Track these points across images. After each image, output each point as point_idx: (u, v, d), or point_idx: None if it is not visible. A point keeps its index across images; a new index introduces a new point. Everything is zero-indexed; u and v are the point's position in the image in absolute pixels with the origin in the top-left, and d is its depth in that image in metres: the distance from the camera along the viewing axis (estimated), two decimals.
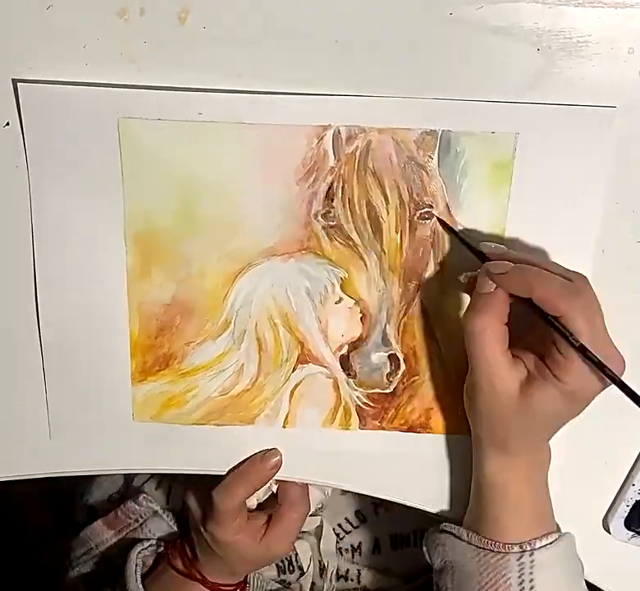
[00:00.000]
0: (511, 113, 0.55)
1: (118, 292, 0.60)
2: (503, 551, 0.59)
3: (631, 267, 0.60)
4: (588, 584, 0.66)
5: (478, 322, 0.54)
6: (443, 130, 0.56)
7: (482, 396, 0.56)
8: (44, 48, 0.54)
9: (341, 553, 0.79)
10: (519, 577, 0.58)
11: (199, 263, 0.59)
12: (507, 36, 0.54)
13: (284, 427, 0.64)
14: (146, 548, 0.74)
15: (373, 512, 0.78)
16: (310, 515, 0.76)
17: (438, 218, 0.58)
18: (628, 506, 0.65)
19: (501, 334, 0.55)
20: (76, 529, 0.81)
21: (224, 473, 0.66)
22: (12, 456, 0.66)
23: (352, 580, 0.80)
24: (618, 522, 0.66)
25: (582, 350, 0.51)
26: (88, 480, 0.86)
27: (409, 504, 0.67)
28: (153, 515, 0.77)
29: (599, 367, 0.52)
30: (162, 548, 0.75)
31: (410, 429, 0.64)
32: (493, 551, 0.59)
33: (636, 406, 0.51)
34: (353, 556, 0.79)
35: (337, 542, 0.79)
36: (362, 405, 0.63)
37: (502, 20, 0.53)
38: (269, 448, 0.65)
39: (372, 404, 0.63)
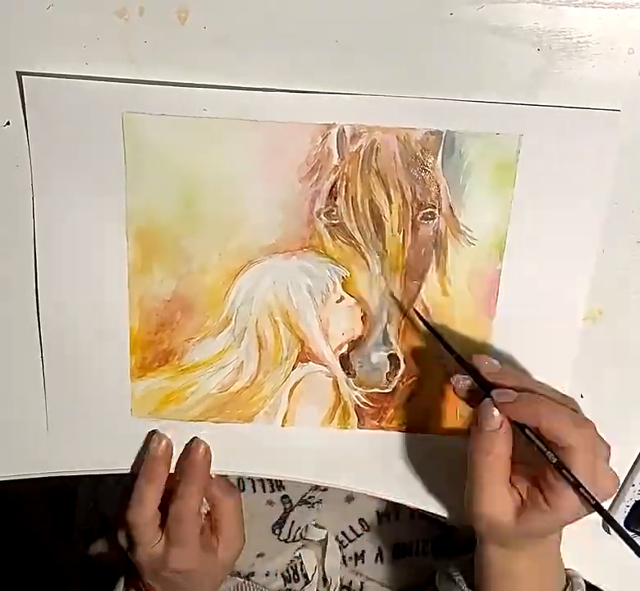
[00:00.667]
0: (516, 115, 0.55)
1: (119, 288, 0.60)
2: None
3: (630, 267, 0.60)
4: (588, 584, 0.66)
5: (487, 463, 0.55)
6: (447, 131, 0.56)
7: (479, 518, 0.57)
8: (44, 47, 0.54)
9: (345, 562, 0.79)
10: None
11: (201, 259, 0.59)
12: (507, 36, 0.54)
13: (282, 425, 0.64)
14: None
15: (377, 521, 0.78)
16: (315, 526, 0.77)
17: (419, 315, 0.60)
18: (627, 506, 0.65)
19: (506, 468, 0.55)
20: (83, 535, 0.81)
21: (223, 472, 0.66)
22: (9, 455, 0.66)
23: None
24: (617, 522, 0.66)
25: (579, 487, 0.52)
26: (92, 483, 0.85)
27: (406, 504, 0.67)
28: None
29: (595, 507, 0.53)
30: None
31: (409, 429, 0.64)
32: None
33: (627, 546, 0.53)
34: (356, 565, 0.79)
35: (341, 549, 0.79)
36: (361, 404, 0.63)
37: (502, 21, 0.53)
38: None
39: (371, 403, 0.63)
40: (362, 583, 0.79)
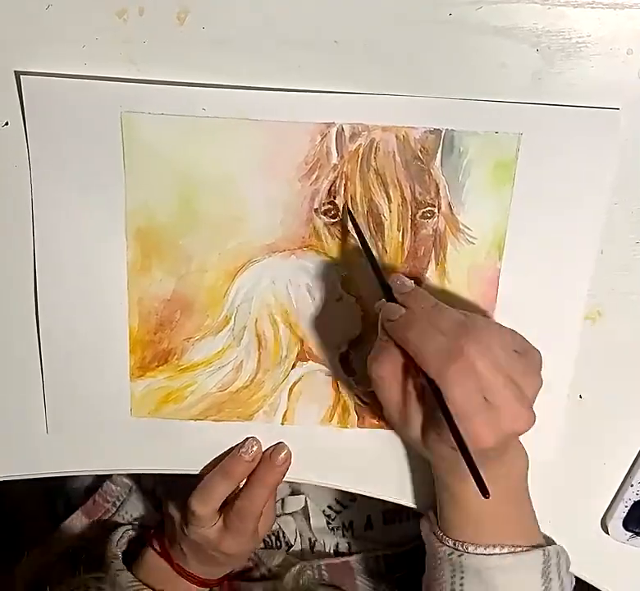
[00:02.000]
0: (515, 113, 0.55)
1: (118, 287, 0.60)
2: (441, 543, 0.60)
3: (630, 267, 0.60)
4: (587, 584, 0.66)
5: (375, 370, 0.54)
6: (447, 129, 0.56)
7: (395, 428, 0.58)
8: (43, 47, 0.54)
9: (333, 531, 0.79)
10: (451, 573, 0.59)
11: (200, 258, 0.59)
12: (506, 37, 0.54)
13: (282, 424, 0.64)
14: (125, 532, 0.75)
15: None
16: (292, 495, 0.77)
17: (352, 220, 0.57)
18: (626, 506, 0.65)
19: (400, 378, 0.54)
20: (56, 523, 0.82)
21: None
22: (9, 455, 0.66)
23: (344, 554, 0.80)
24: (616, 523, 0.66)
25: (445, 416, 0.50)
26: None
27: (405, 503, 0.67)
28: (128, 495, 0.77)
29: (458, 443, 0.49)
30: (136, 532, 0.76)
31: None
32: (436, 539, 0.60)
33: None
34: (344, 534, 0.80)
35: (328, 523, 0.79)
36: (360, 403, 0.63)
37: (501, 21, 0.53)
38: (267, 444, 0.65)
39: (370, 402, 0.63)
40: (349, 543, 0.80)
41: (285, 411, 0.64)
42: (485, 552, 0.58)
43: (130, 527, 0.76)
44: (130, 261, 0.59)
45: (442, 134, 0.56)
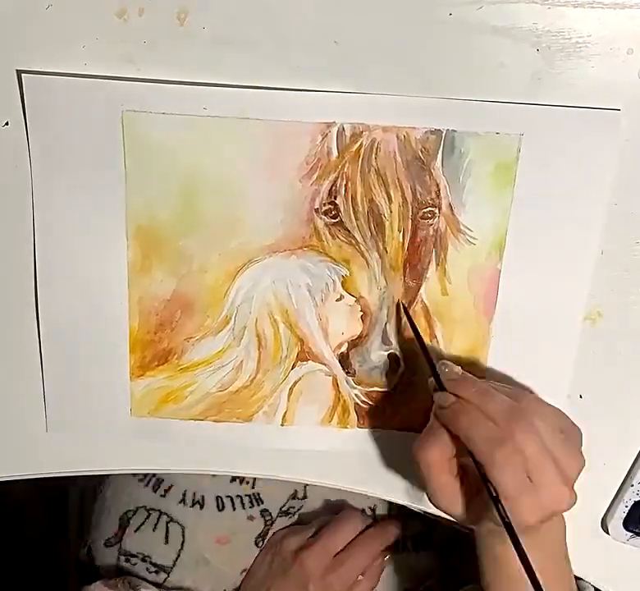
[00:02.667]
0: (516, 114, 0.55)
1: (119, 287, 0.60)
2: None
3: (629, 268, 0.60)
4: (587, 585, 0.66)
5: (422, 456, 0.56)
6: (447, 130, 0.56)
7: (434, 503, 0.58)
8: (44, 47, 0.54)
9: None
10: None
11: (200, 258, 0.59)
12: (506, 36, 0.54)
13: (282, 424, 0.64)
14: None
15: None
16: None
17: (404, 307, 0.60)
18: (626, 506, 0.65)
19: (447, 465, 0.56)
20: (78, 569, 0.81)
21: (222, 472, 0.66)
22: (9, 455, 0.66)
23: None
24: (617, 523, 0.66)
25: (496, 503, 0.52)
26: (84, 521, 0.85)
27: (405, 503, 0.67)
28: None
29: (506, 526, 0.52)
30: None
31: (409, 428, 0.64)
32: None
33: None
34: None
35: None
36: (360, 403, 0.63)
37: (502, 21, 0.53)
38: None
39: (370, 402, 0.63)
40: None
41: (285, 412, 0.63)
42: None
43: None
44: (131, 261, 0.59)
45: (443, 134, 0.56)
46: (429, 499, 0.58)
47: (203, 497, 0.76)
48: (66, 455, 0.65)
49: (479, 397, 0.55)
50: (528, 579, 0.50)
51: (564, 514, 0.58)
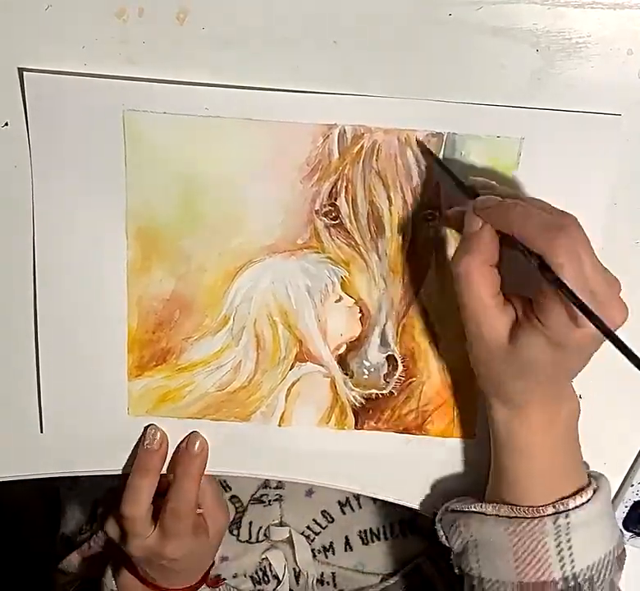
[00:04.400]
0: (517, 118, 0.55)
1: (118, 286, 0.60)
2: (537, 515, 0.56)
3: (629, 268, 0.60)
4: None
5: (464, 264, 0.51)
6: (448, 133, 0.56)
7: (474, 342, 0.54)
8: (43, 48, 0.54)
9: (315, 555, 0.79)
10: (556, 540, 0.56)
11: (200, 258, 0.59)
12: (506, 37, 0.54)
13: (279, 425, 0.64)
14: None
15: (340, 511, 0.78)
16: (277, 525, 0.77)
17: (421, 144, 0.56)
18: (626, 506, 0.66)
19: (490, 276, 0.52)
20: (57, 560, 0.82)
21: (219, 472, 0.67)
22: (4, 455, 0.66)
23: (328, 584, 0.80)
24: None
25: (561, 288, 0.47)
26: (61, 513, 0.86)
27: (403, 503, 0.67)
28: None
29: (580, 307, 0.46)
30: None
31: (406, 431, 0.64)
32: (527, 517, 0.56)
33: (630, 363, 0.44)
34: (326, 557, 0.79)
35: (309, 544, 0.79)
36: (358, 405, 0.63)
37: (501, 21, 0.53)
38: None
39: (368, 404, 0.63)
40: (333, 573, 0.79)
41: (283, 412, 0.63)
42: (584, 500, 0.56)
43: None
44: (130, 260, 0.59)
45: (444, 137, 0.56)
46: (466, 328, 0.54)
47: None
48: (63, 455, 0.65)
49: (524, 199, 0.52)
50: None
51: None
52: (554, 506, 0.56)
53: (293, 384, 0.63)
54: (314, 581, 0.79)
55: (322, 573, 0.79)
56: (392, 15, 0.53)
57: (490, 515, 0.58)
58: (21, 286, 0.60)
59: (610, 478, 0.65)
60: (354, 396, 0.63)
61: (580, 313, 0.46)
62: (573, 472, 0.58)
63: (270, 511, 0.77)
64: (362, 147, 0.56)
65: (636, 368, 0.43)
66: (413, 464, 0.65)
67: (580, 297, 0.46)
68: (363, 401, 0.63)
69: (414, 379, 0.62)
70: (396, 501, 0.67)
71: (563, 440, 0.57)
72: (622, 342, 0.44)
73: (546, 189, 0.57)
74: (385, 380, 0.62)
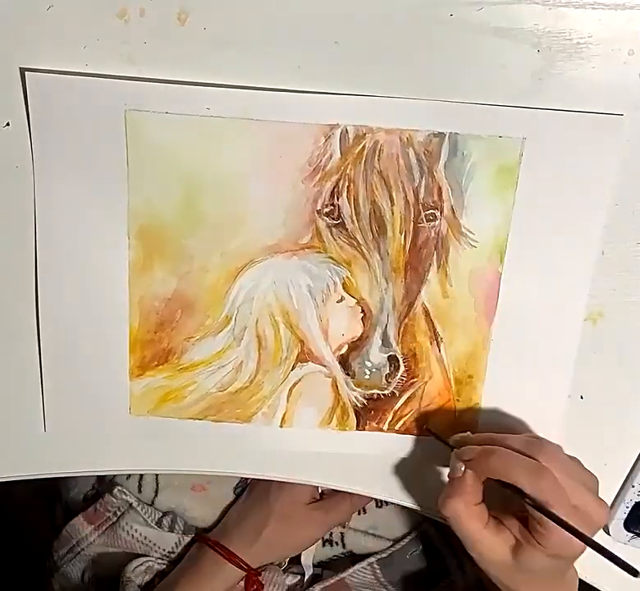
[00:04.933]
0: (519, 118, 0.55)
1: (119, 286, 0.60)
2: None
3: (630, 269, 0.60)
4: (587, 585, 0.66)
5: (451, 508, 0.57)
6: (450, 133, 0.56)
7: (480, 562, 0.59)
8: (44, 48, 0.54)
9: None
10: None
11: (202, 258, 0.59)
12: (507, 37, 0.54)
13: (281, 426, 0.64)
14: (140, 565, 0.76)
15: None
16: None
17: (432, 433, 0.63)
18: (627, 507, 0.65)
19: (476, 513, 0.57)
20: (57, 532, 0.82)
21: (221, 472, 0.66)
22: (7, 455, 0.66)
23: (337, 544, 0.80)
24: (617, 523, 0.66)
25: (556, 520, 0.53)
26: (62, 482, 0.86)
27: (404, 504, 0.67)
28: (128, 508, 0.78)
29: (575, 534, 0.53)
30: (153, 564, 0.77)
31: (408, 431, 0.64)
32: None
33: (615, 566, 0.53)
34: None
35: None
36: (360, 405, 0.63)
37: (502, 22, 0.53)
38: None
39: (370, 405, 0.63)
40: (342, 533, 0.80)
41: (285, 413, 0.63)
42: None
43: (141, 561, 0.76)
44: (132, 260, 0.59)
45: (446, 137, 0.56)
46: (470, 553, 0.59)
47: None
48: (65, 455, 0.65)
49: (498, 441, 0.57)
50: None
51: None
52: None
53: (294, 384, 0.63)
54: (322, 542, 0.80)
55: (331, 533, 0.80)
56: (393, 15, 0.53)
57: None
58: (23, 286, 0.60)
59: (610, 479, 0.65)
60: (355, 397, 0.63)
61: (574, 537, 0.53)
62: None
63: None
64: (364, 147, 0.56)
65: (618, 566, 0.53)
66: (415, 464, 0.65)
67: (568, 520, 0.53)
68: (364, 402, 0.63)
69: (416, 379, 0.62)
70: (399, 502, 0.67)
71: None
72: (610, 553, 0.53)
73: (548, 189, 0.57)
74: (386, 380, 0.62)
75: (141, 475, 0.79)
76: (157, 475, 0.78)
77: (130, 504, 0.78)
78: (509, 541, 0.57)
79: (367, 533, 0.80)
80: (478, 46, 0.54)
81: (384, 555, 0.79)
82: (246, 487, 0.78)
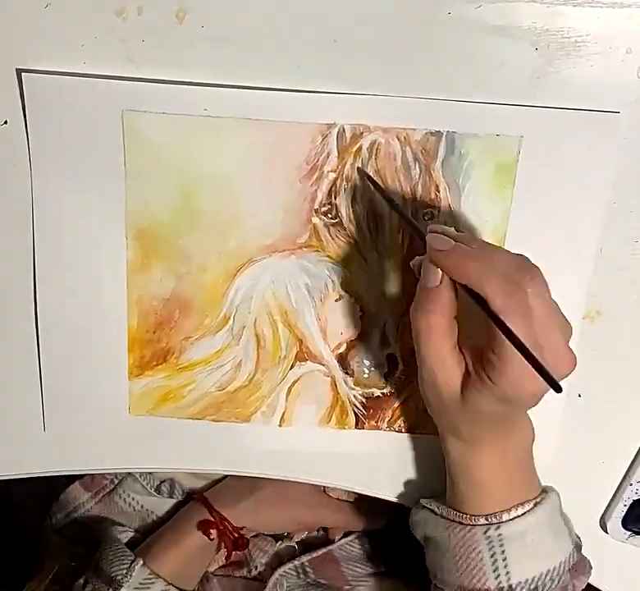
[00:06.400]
0: (516, 116, 0.55)
1: (118, 286, 0.60)
2: (469, 523, 0.58)
3: (629, 267, 0.60)
4: (587, 585, 0.66)
5: (425, 321, 0.52)
6: (448, 131, 0.56)
7: (428, 389, 0.55)
8: (42, 46, 0.54)
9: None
10: (490, 550, 0.58)
11: (200, 258, 0.59)
12: (505, 36, 0.54)
13: (280, 425, 0.64)
14: (122, 533, 0.76)
15: None
16: None
17: (381, 192, 0.56)
18: (625, 505, 0.65)
19: (449, 332, 0.52)
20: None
21: (221, 471, 0.67)
22: (6, 454, 0.66)
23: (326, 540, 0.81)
24: (615, 522, 0.66)
25: (517, 345, 0.46)
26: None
27: (402, 503, 0.67)
28: (126, 476, 0.78)
29: (533, 364, 0.45)
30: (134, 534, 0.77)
31: (407, 430, 0.64)
32: (462, 523, 0.59)
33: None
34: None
35: None
36: (359, 404, 0.63)
37: (500, 20, 0.53)
38: None
39: (369, 403, 0.63)
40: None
41: (284, 412, 0.63)
42: (519, 513, 0.58)
43: (123, 530, 0.77)
44: (130, 260, 0.59)
45: (443, 136, 0.56)
46: (422, 376, 0.55)
47: None
48: (64, 454, 0.65)
49: (482, 245, 0.51)
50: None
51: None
52: (486, 518, 0.58)
53: (293, 383, 0.63)
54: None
55: None
56: (391, 14, 0.53)
57: (437, 514, 0.61)
58: (22, 286, 0.60)
59: (609, 477, 0.65)
60: (354, 396, 0.63)
61: (526, 379, 0.48)
62: (523, 489, 0.60)
63: None
64: (361, 146, 0.56)
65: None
66: (414, 463, 0.65)
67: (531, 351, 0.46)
68: (363, 400, 0.63)
69: (415, 378, 0.62)
70: (397, 501, 0.67)
71: (515, 465, 0.59)
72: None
73: (545, 187, 0.57)
74: (385, 379, 0.62)
75: None
76: None
77: (129, 473, 0.78)
78: (462, 370, 0.53)
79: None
80: (476, 44, 0.54)
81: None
82: None
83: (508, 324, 0.47)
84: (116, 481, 0.79)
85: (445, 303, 0.51)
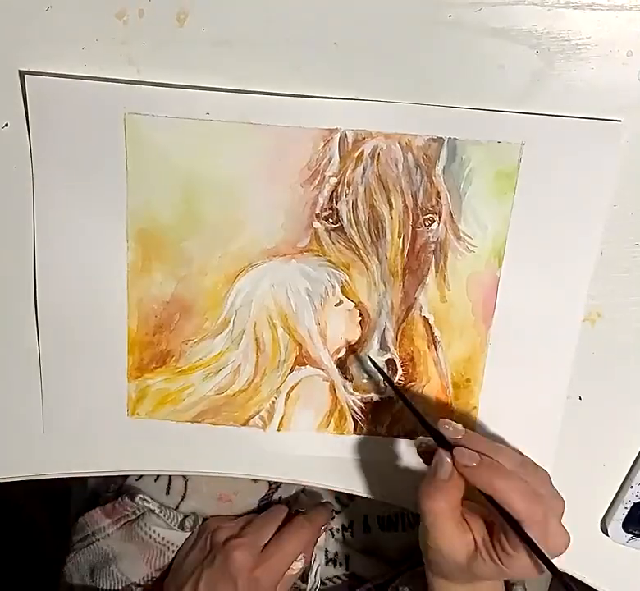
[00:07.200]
0: (518, 123, 0.55)
1: (118, 289, 0.60)
2: None
3: (629, 269, 0.60)
4: (586, 586, 0.66)
5: (434, 508, 0.56)
6: (449, 138, 0.56)
7: (430, 550, 0.58)
8: (43, 49, 0.54)
9: (332, 534, 0.79)
10: None
11: (201, 261, 0.59)
12: (506, 38, 0.54)
13: (278, 430, 0.64)
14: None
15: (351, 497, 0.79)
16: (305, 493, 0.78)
17: (394, 388, 0.61)
18: (626, 508, 0.65)
19: (454, 513, 0.56)
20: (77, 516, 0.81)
21: (219, 474, 0.66)
22: (6, 456, 0.66)
23: (341, 565, 0.80)
24: (616, 524, 0.66)
25: (531, 547, 0.53)
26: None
27: (401, 505, 0.67)
28: (149, 512, 0.77)
29: (542, 559, 0.53)
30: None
31: (405, 435, 0.64)
32: None
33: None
34: (343, 538, 0.79)
35: (330, 531, 0.79)
36: (357, 409, 0.63)
37: (501, 23, 0.53)
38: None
39: (367, 408, 0.63)
40: (347, 556, 0.80)
41: (282, 416, 0.63)
42: None
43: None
44: (131, 262, 0.59)
45: (445, 142, 0.56)
46: (427, 545, 0.58)
47: None
48: (63, 456, 0.65)
49: (495, 453, 0.56)
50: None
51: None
52: None
53: (292, 388, 0.63)
54: (325, 558, 0.79)
55: (336, 553, 0.79)
56: (392, 16, 0.53)
57: None
58: (22, 288, 0.60)
59: (610, 480, 0.65)
60: (353, 400, 0.63)
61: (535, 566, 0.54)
62: None
63: (298, 490, 0.78)
64: (363, 151, 0.56)
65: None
66: (413, 468, 0.65)
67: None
68: (362, 405, 0.63)
69: (414, 383, 0.62)
70: (393, 503, 0.67)
71: None
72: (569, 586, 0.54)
73: (546, 194, 0.57)
74: (384, 384, 0.62)
75: (170, 479, 0.78)
76: (186, 481, 0.77)
77: (152, 510, 0.77)
78: (470, 545, 0.56)
79: (370, 554, 0.80)
80: (477, 47, 0.54)
81: (380, 581, 0.78)
82: (271, 501, 0.78)
83: (527, 529, 0.53)
84: (137, 513, 0.77)
85: (454, 493, 0.56)
